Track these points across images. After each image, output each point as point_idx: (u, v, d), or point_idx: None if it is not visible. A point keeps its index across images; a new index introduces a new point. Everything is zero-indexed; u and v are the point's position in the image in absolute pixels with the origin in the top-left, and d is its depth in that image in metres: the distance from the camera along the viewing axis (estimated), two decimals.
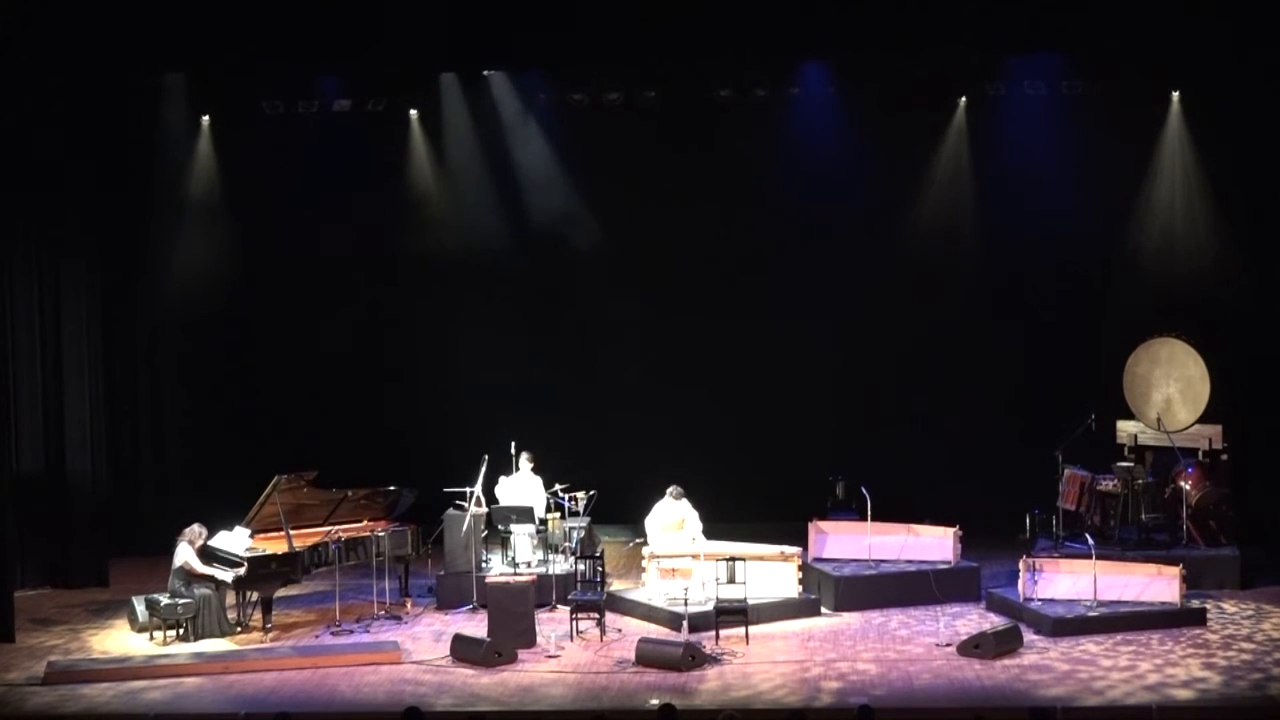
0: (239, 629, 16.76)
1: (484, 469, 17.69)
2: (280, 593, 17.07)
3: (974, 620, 16.89)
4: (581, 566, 16.90)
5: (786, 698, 14.45)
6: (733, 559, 16.60)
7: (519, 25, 19.31)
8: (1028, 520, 18.81)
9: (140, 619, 16.77)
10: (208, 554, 16.81)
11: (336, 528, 17.34)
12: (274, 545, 16.94)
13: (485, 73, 20.86)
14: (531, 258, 21.31)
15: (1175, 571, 16.75)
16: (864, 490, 17.78)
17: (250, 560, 16.51)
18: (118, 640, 16.72)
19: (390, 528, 17.64)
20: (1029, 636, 16.06)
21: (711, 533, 17.39)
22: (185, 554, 16.56)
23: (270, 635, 16.57)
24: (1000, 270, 20.86)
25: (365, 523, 17.79)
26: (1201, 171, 20.41)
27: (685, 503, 17.75)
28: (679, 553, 17.25)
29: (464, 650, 15.68)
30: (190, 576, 16.52)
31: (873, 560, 17.93)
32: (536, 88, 20.91)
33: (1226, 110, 19.75)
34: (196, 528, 16.69)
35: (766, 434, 21.14)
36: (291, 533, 16.93)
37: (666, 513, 17.72)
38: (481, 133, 21.12)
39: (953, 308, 20.90)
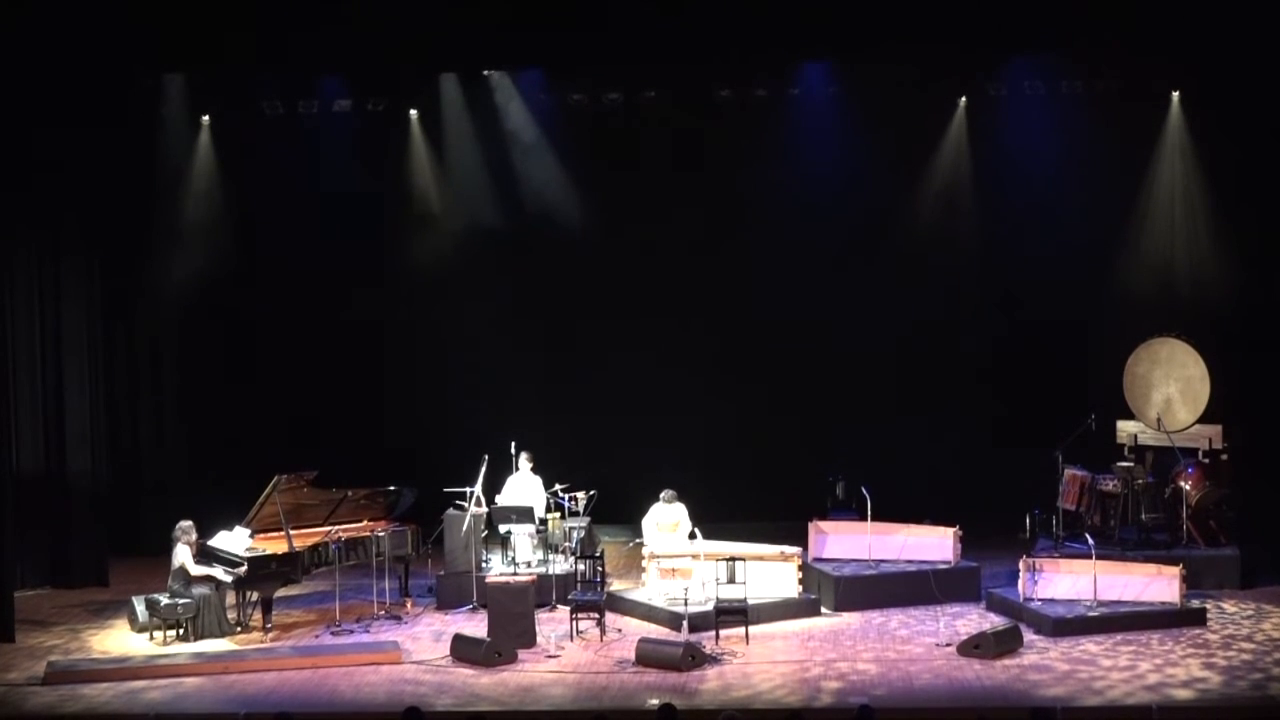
0: (239, 629, 16.76)
1: (484, 469, 17.69)
2: (280, 593, 17.07)
3: (974, 620, 16.89)
4: (581, 566, 16.91)
5: (786, 698, 14.45)
6: (733, 559, 16.60)
7: (519, 25, 19.30)
8: (1028, 520, 18.81)
9: (140, 619, 16.78)
10: (208, 554, 16.84)
11: (336, 528, 17.34)
12: (274, 545, 16.94)
13: (485, 73, 20.88)
14: (531, 257, 21.32)
15: (1175, 571, 16.74)
16: (864, 490, 17.79)
17: (250, 560, 16.51)
18: (118, 640, 16.73)
19: (390, 528, 17.65)
20: (1029, 636, 16.07)
21: (711, 533, 17.38)
22: (183, 555, 16.57)
23: (270, 635, 16.58)
24: (1000, 269, 20.87)
25: (365, 523, 17.79)
26: (1201, 171, 20.43)
27: (679, 505, 17.79)
28: (679, 553, 17.25)
29: (464, 650, 15.68)
30: (189, 578, 16.53)
31: (873, 560, 17.93)
32: (536, 88, 20.92)
33: (1226, 110, 19.76)
34: (187, 524, 16.69)
35: (766, 434, 21.15)
36: (291, 533, 16.92)
37: (662, 514, 17.77)
38: (481, 133, 21.13)
39: (953, 307, 20.94)
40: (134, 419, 21.07)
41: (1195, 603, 16.86)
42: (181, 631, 16.43)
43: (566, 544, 18.08)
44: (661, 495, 17.85)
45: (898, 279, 20.94)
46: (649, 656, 15.43)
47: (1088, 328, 20.60)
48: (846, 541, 18.17)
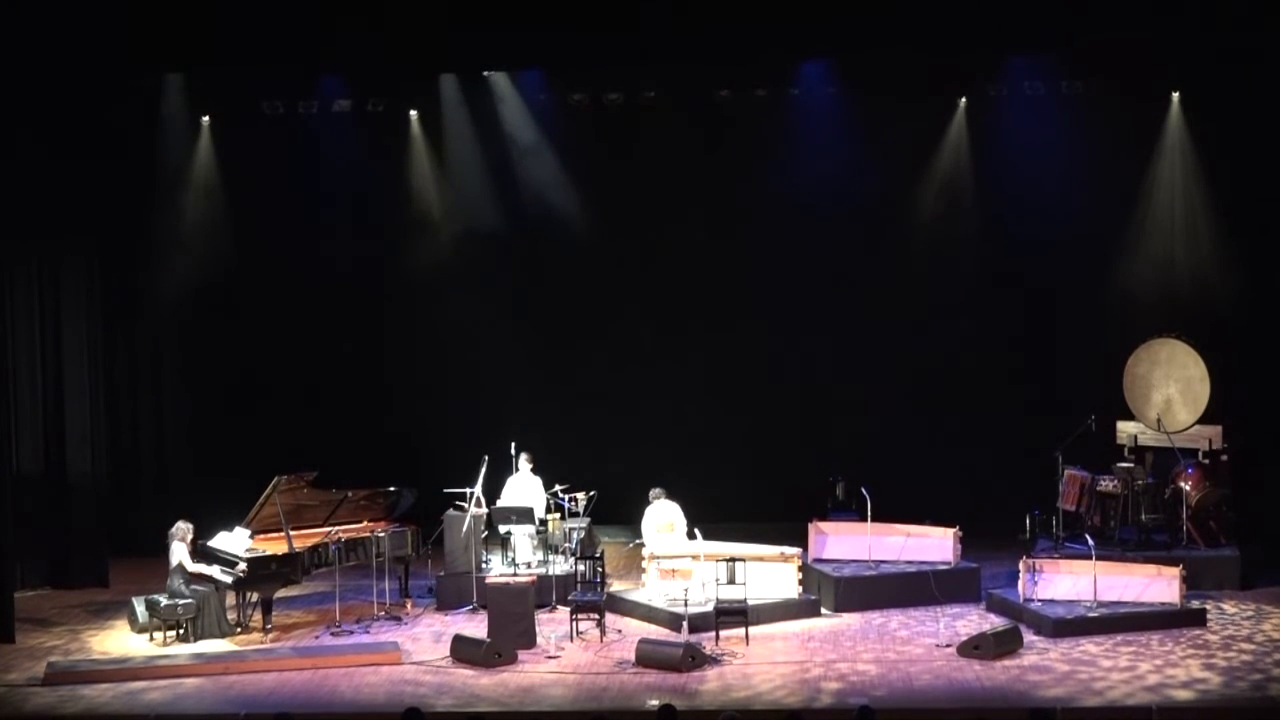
0: (239, 630, 16.77)
1: (484, 469, 17.69)
2: (280, 593, 17.07)
3: (974, 621, 16.89)
4: (581, 567, 16.91)
5: (786, 698, 14.45)
6: (733, 559, 16.60)
7: (519, 25, 19.30)
8: (1028, 520, 18.75)
9: (140, 620, 16.78)
10: (207, 554, 16.85)
11: (336, 528, 17.34)
12: (274, 546, 16.94)
13: (485, 73, 20.87)
14: (531, 258, 21.33)
15: (1175, 572, 16.75)
16: (864, 490, 17.79)
17: (250, 561, 16.51)
18: (118, 641, 16.73)
19: (390, 528, 17.65)
20: (1029, 637, 16.07)
21: (711, 533, 17.37)
22: (180, 553, 16.59)
23: (270, 636, 16.58)
24: (1000, 270, 20.86)
25: (365, 523, 17.79)
26: (1201, 171, 20.41)
27: (672, 504, 17.82)
28: (679, 553, 17.25)
29: (464, 651, 15.69)
30: (188, 575, 16.53)
31: (873, 561, 17.93)
32: (536, 88, 20.92)
33: (1226, 110, 19.76)
34: (183, 524, 16.72)
35: (766, 434, 21.15)
36: (291, 533, 16.92)
37: (658, 515, 17.78)
38: (481, 133, 21.13)
39: (952, 307, 20.90)
40: (134, 420, 21.07)
41: (1195, 603, 16.86)
42: (181, 632, 16.43)
43: (566, 545, 18.08)
44: (650, 495, 17.87)
45: (897, 279, 20.94)
46: (649, 657, 15.43)
47: (1088, 328, 20.60)
48: (846, 542, 18.17)
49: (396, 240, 21.34)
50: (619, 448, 20.59)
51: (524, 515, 17.83)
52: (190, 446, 21.23)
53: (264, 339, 21.16)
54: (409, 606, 17.73)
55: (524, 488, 18.31)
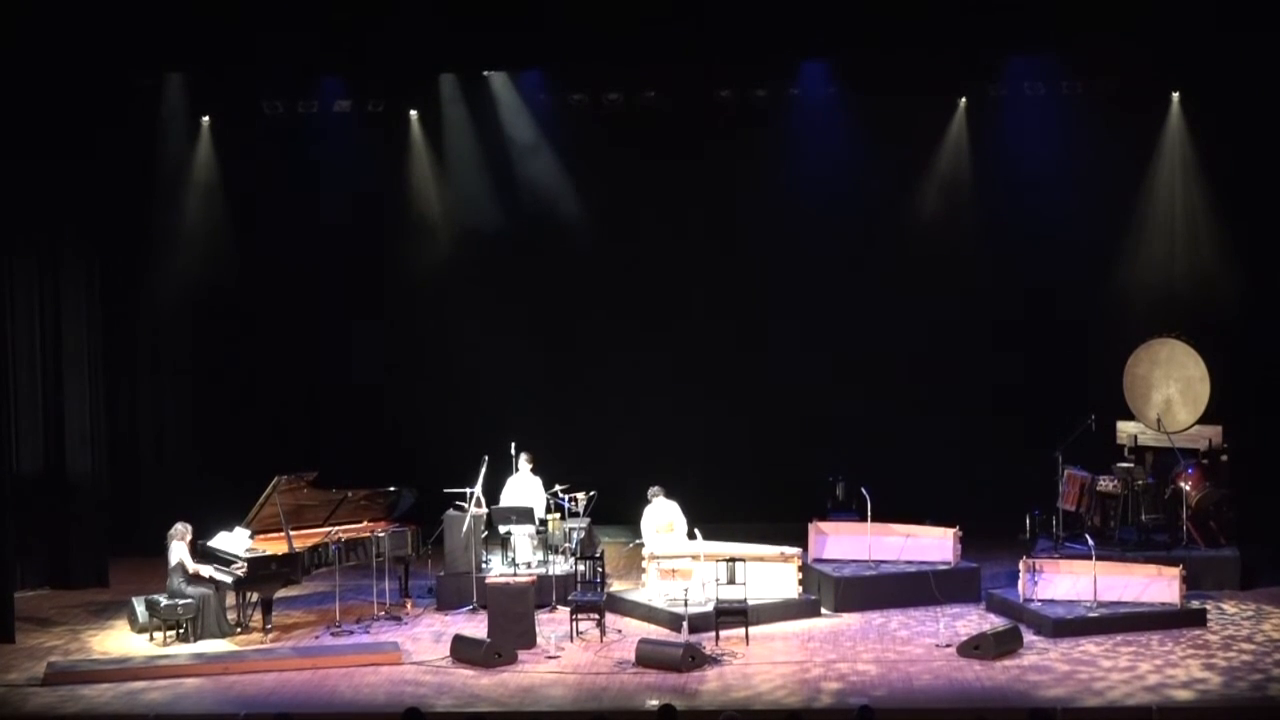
0: (239, 630, 16.77)
1: (484, 469, 17.69)
2: (280, 593, 17.07)
3: (974, 621, 16.89)
4: (581, 567, 16.91)
5: (786, 698, 14.45)
6: (733, 559, 16.60)
7: (519, 25, 19.31)
8: (1028, 521, 18.79)
9: (140, 619, 16.78)
10: (207, 554, 16.85)
11: (336, 528, 17.34)
12: (274, 546, 16.93)
13: (485, 73, 20.87)
14: (531, 258, 21.32)
15: (1175, 572, 16.75)
16: (864, 491, 17.79)
17: (250, 561, 16.51)
18: (118, 641, 16.73)
19: (390, 528, 17.65)
20: (1029, 637, 16.07)
21: (711, 533, 17.38)
22: (180, 552, 16.60)
23: (270, 636, 16.58)
24: (1000, 269, 20.85)
25: (365, 523, 17.79)
26: (1201, 171, 20.42)
27: (671, 503, 17.82)
28: (679, 553, 17.26)
29: (464, 651, 15.69)
30: (188, 575, 16.52)
31: (873, 561, 17.93)
32: (536, 88, 20.92)
33: (1226, 110, 19.76)
34: (182, 525, 16.73)
35: (766, 434, 21.16)
36: (291, 533, 16.92)
37: (657, 514, 17.79)
38: (481, 133, 21.13)
39: (952, 307, 20.92)
40: (134, 419, 21.07)
41: (1195, 603, 16.86)
42: (181, 632, 16.43)
43: (566, 545, 18.08)
44: (649, 494, 17.88)
45: (897, 279, 20.94)
46: (649, 657, 15.43)
47: (1088, 328, 20.61)
48: (846, 542, 18.17)
49: (396, 240, 21.34)
50: (619, 448, 20.60)
51: (524, 515, 17.83)
52: (190, 446, 21.23)
53: (264, 338, 21.17)
54: (409, 606, 17.73)
55: (524, 488, 18.32)
